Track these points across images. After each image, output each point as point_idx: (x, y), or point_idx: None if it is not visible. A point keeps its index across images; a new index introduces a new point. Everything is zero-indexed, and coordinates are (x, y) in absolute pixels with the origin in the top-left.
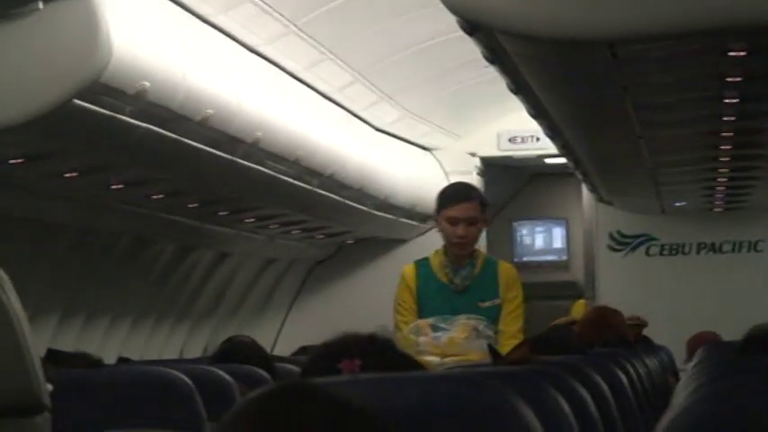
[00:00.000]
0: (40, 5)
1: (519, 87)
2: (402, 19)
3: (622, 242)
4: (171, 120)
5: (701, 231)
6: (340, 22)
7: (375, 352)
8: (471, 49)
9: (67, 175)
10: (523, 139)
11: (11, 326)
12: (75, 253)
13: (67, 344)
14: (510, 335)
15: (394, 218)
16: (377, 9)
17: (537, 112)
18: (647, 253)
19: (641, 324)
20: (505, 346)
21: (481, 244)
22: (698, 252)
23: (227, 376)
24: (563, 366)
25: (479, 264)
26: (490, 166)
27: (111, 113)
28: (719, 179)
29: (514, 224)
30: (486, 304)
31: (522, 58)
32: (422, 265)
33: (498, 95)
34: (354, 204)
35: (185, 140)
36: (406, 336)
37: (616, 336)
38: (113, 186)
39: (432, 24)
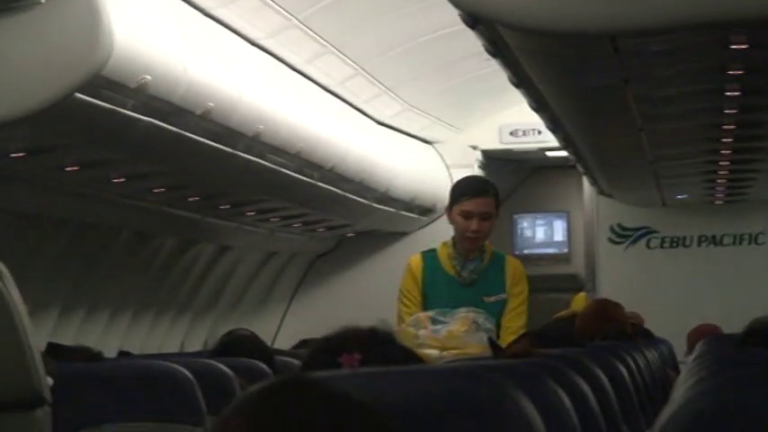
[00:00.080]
0: None
1: (520, 80)
2: (403, 12)
3: (623, 235)
4: (172, 113)
5: (701, 224)
6: (341, 16)
7: (375, 346)
8: (473, 42)
9: (69, 168)
10: (525, 132)
11: (11, 319)
12: (76, 247)
13: (68, 337)
14: (512, 331)
15: (395, 211)
16: (378, 2)
17: (538, 105)
18: (647, 246)
19: (638, 323)
20: (508, 342)
21: None
22: (699, 245)
23: (227, 370)
24: (563, 359)
25: (487, 258)
26: (491, 159)
27: (113, 107)
28: (720, 172)
29: (515, 217)
30: (492, 299)
31: (524, 52)
32: (429, 256)
33: (499, 88)
34: (355, 197)
35: (186, 134)
36: (406, 328)
37: (616, 329)
38: (114, 180)
39: (433, 17)
